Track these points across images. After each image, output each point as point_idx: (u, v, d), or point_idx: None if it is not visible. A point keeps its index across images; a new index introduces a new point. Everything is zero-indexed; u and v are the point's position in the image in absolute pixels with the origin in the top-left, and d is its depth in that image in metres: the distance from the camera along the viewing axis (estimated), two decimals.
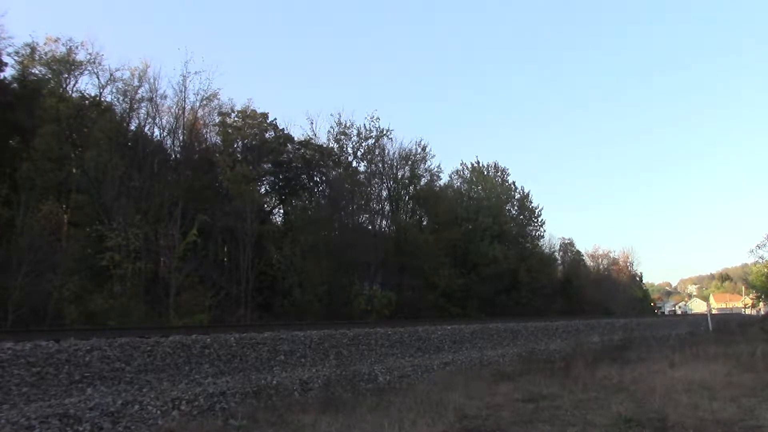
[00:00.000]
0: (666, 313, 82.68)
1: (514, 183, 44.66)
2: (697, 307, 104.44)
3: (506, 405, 9.24)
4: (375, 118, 34.22)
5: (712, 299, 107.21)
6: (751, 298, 63.78)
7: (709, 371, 12.49)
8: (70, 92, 25.64)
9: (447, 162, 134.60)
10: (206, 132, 29.44)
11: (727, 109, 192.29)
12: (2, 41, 22.68)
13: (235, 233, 25.24)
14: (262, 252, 26.42)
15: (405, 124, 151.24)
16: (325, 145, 33.52)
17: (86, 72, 25.60)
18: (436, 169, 37.85)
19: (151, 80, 25.32)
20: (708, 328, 38.38)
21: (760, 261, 53.10)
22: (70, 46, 25.06)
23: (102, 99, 25.82)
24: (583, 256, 58.72)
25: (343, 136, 33.93)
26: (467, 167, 43.13)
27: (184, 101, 26.00)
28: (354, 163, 34.47)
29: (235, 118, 30.20)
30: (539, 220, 46.11)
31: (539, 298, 40.21)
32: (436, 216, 36.13)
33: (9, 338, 9.35)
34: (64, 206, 22.76)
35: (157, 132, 26.27)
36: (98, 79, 25.52)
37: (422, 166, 36.44)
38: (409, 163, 35.59)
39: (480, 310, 34.20)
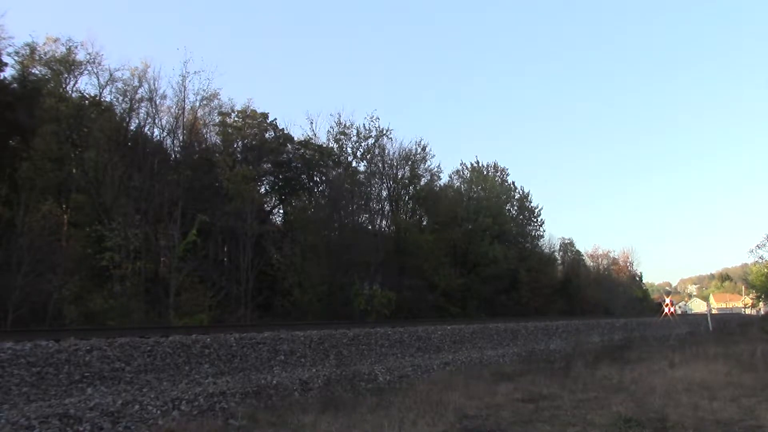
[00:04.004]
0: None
1: (513, 183, 44.83)
2: (697, 307, 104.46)
3: (506, 405, 9.23)
4: (375, 117, 34.28)
5: (712, 299, 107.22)
6: (751, 298, 63.82)
7: (709, 371, 12.49)
8: (70, 92, 25.63)
9: (447, 162, 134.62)
10: (206, 132, 29.48)
11: (727, 109, 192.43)
12: (2, 41, 22.70)
13: (235, 233, 25.24)
14: (262, 252, 26.43)
15: (405, 124, 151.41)
16: (324, 145, 33.55)
17: (86, 72, 25.60)
18: (436, 169, 37.89)
19: (151, 80, 25.34)
20: (708, 328, 38.36)
21: (760, 261, 53.15)
22: (70, 46, 25.07)
23: (102, 99, 25.81)
24: (583, 256, 58.73)
25: (342, 136, 33.95)
26: (467, 167, 43.21)
27: (184, 101, 26.02)
28: (354, 163, 34.52)
29: (235, 118, 30.22)
30: (539, 220, 46.25)
31: (539, 298, 40.23)
32: (436, 216, 36.13)
33: (9, 338, 9.34)
34: (64, 206, 22.75)
35: (157, 132, 26.31)
36: (98, 79, 25.53)
37: (422, 166, 36.47)
38: (409, 163, 35.59)
39: (480, 310, 34.20)
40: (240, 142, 30.25)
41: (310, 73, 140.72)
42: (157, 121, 26.02)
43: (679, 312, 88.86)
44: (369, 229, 32.60)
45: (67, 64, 25.20)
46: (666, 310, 43.08)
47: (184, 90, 25.63)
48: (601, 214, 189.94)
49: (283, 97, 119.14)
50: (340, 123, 33.84)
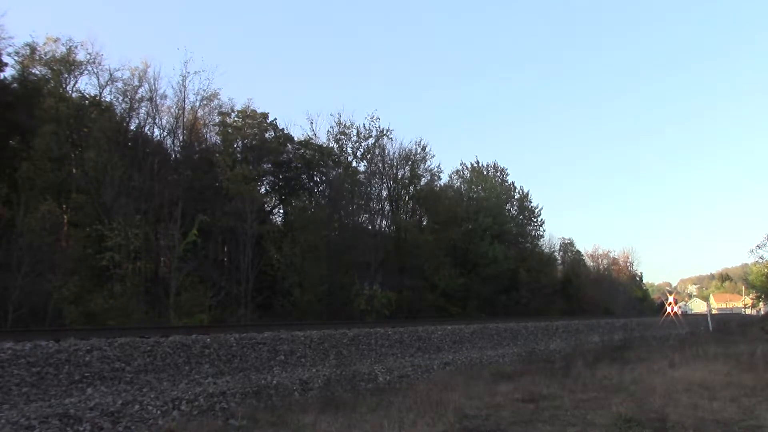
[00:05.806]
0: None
1: (513, 183, 44.89)
2: (697, 307, 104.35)
3: (506, 405, 9.23)
4: (375, 117, 34.33)
5: (712, 299, 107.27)
6: (751, 298, 63.73)
7: (709, 371, 12.48)
8: (70, 92, 25.63)
9: (447, 162, 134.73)
10: (206, 132, 29.49)
11: (727, 109, 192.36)
12: (2, 41, 22.75)
13: (235, 233, 25.26)
14: (262, 252, 26.43)
15: (405, 124, 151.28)
16: (325, 145, 33.57)
17: (86, 72, 25.63)
18: (436, 169, 37.97)
19: (151, 80, 25.38)
20: (708, 328, 38.32)
21: (760, 261, 53.07)
22: (70, 46, 25.11)
23: (102, 99, 25.82)
24: (583, 256, 58.79)
25: (342, 136, 33.98)
26: (467, 167, 43.28)
27: (184, 101, 26.08)
28: (354, 163, 34.55)
29: (235, 118, 30.24)
30: (539, 219, 46.29)
31: (539, 298, 40.21)
32: (436, 216, 36.14)
33: (9, 338, 9.34)
34: (64, 206, 22.75)
35: (157, 132, 26.36)
36: (98, 79, 25.55)
37: (422, 166, 36.51)
38: (409, 163, 35.62)
39: (480, 310, 34.19)
40: (240, 142, 30.26)
41: (310, 73, 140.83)
42: (157, 121, 26.10)
43: (679, 312, 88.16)
44: (369, 229, 32.60)
45: (67, 64, 25.21)
46: (669, 309, 39.05)
47: (184, 90, 25.72)
48: (601, 214, 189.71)
49: (283, 97, 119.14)
50: (340, 123, 33.93)
